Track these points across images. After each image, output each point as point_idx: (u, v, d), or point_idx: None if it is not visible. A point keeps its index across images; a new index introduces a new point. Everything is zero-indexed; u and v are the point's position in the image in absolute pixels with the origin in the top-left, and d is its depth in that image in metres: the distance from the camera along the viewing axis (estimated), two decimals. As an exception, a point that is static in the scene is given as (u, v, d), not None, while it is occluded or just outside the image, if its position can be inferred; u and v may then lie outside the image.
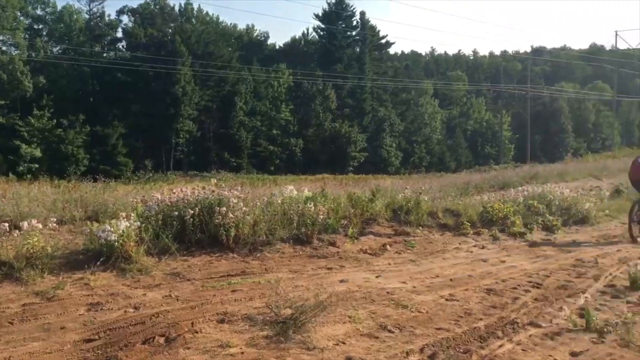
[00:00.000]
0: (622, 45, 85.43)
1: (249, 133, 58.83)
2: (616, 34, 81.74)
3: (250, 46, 73.43)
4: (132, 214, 7.63)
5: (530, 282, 7.70)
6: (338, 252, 8.86)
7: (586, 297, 6.32)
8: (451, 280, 7.60)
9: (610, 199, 16.43)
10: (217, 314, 5.52)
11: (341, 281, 7.12)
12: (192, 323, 5.22)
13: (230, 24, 76.50)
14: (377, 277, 7.49)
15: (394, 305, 6.17)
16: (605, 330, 5.83)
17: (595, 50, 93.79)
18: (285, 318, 5.17)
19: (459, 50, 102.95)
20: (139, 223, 7.44)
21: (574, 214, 13.29)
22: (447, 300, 6.62)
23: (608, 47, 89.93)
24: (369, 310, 5.94)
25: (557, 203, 13.26)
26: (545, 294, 7.09)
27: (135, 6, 62.31)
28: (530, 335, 5.45)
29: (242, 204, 8.42)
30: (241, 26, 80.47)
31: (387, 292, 6.67)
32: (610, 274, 8.34)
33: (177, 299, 6.04)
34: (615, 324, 5.95)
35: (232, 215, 8.15)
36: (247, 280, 6.91)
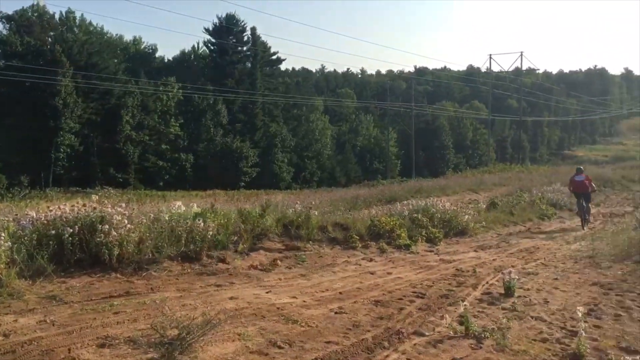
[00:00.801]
0: (495, 68, 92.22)
1: (136, 147, 56.67)
2: (490, 58, 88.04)
3: (138, 58, 70.98)
4: (3, 234, 7.05)
5: (415, 292, 8.00)
6: (228, 268, 8.72)
7: (465, 305, 6.65)
8: (340, 293, 7.71)
9: (486, 212, 17.50)
10: (97, 339, 5.21)
11: (231, 298, 7.00)
12: (69, 349, 4.89)
13: (116, 34, 73.62)
14: (267, 292, 7.45)
15: (284, 320, 6.16)
16: (482, 336, 6.16)
17: (472, 72, 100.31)
18: (172, 339, 4.97)
19: (348, 69, 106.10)
20: (10, 243, 6.90)
21: (454, 226, 14.02)
22: (336, 313, 6.70)
23: (483, 69, 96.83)
24: (259, 326, 5.88)
25: (439, 216, 13.92)
26: (429, 303, 7.39)
27: (10, 12, 58.27)
28: (414, 344, 5.64)
29: (126, 221, 8.06)
30: (128, 37, 77.71)
31: (278, 308, 6.64)
32: (487, 282, 8.86)
33: (53, 324, 5.64)
34: (491, 330, 6.32)
35: (115, 233, 7.78)
36: (132, 301, 6.59)
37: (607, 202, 22.48)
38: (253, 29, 70.65)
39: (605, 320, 7.01)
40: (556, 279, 9.09)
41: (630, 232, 12.62)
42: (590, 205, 16.83)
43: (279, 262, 9.36)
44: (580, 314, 6.48)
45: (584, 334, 6.13)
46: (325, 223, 11.75)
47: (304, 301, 7.10)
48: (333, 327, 6.06)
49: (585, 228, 15.78)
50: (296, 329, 5.89)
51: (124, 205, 8.92)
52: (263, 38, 71.75)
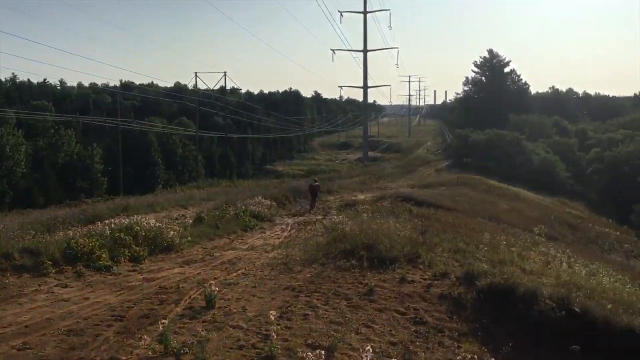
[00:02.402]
0: (202, 86, 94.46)
1: None
2: (196, 75, 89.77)
3: None
4: None
5: (114, 315, 7.62)
6: None
7: (164, 323, 6.56)
8: (26, 327, 6.93)
9: (193, 226, 17.66)
10: None
11: None
12: None
13: None
14: None
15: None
16: (182, 352, 6.16)
17: (180, 89, 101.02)
18: None
19: (45, 79, 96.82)
20: None
21: (159, 242, 13.78)
22: (19, 350, 5.99)
23: (190, 86, 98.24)
24: None
25: (143, 234, 13.54)
26: (128, 325, 7.11)
27: None
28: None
29: None
30: None
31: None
32: (190, 297, 8.92)
33: None
34: (191, 345, 6.35)
35: None
36: None
37: (301, 212, 24.77)
38: None
39: (295, 321, 7.66)
40: (254, 286, 9.61)
41: (319, 237, 14.10)
42: (316, 200, 25.77)
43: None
44: (273, 318, 6.96)
45: (275, 336, 6.60)
46: (11, 249, 10.41)
47: (-22, 342, 6.17)
48: (12, 367, 5.38)
49: (312, 212, 23.67)
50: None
51: None
52: None
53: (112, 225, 13.97)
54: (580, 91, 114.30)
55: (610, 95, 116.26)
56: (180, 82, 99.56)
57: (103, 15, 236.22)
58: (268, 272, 10.89)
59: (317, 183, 26.87)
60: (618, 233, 35.76)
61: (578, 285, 9.23)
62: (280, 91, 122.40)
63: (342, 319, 7.78)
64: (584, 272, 12.88)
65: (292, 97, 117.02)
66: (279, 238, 16.94)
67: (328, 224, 15.97)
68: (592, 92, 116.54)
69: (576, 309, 8.14)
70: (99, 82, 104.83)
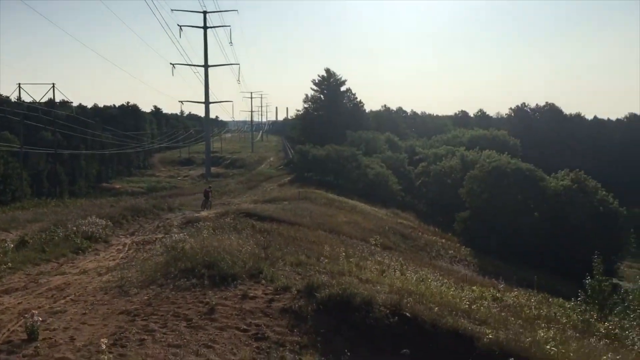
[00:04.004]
0: (27, 98, 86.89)
1: None
2: (19, 87, 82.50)
3: None
4: None
5: None
6: None
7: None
8: None
9: (15, 251, 16.03)
10: None
11: None
12: None
13: None
14: None
15: None
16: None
17: (1, 102, 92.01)
18: None
19: None
20: None
21: (-27, 271, 12.31)
22: None
23: (13, 98, 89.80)
24: None
25: (-47, 262, 12.00)
26: None
27: None
28: None
29: None
30: None
31: None
32: (9, 330, 8.04)
33: None
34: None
35: None
36: None
37: (141, 231, 23.62)
38: None
39: (130, 347, 7.22)
40: (85, 313, 8.92)
41: (158, 257, 13.51)
42: (210, 201, 34.57)
43: None
44: (104, 346, 6.49)
45: (107, 365, 6.15)
46: None
47: None
48: None
49: (206, 210, 29.97)
50: None
51: None
52: None
53: None
54: (408, 110, 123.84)
55: (435, 114, 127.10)
56: (2, 94, 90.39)
57: None
58: (101, 296, 10.18)
59: (209, 188, 37.94)
60: (444, 240, 38.97)
61: (409, 291, 9.83)
62: (117, 105, 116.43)
63: (181, 341, 7.49)
64: (414, 278, 13.79)
65: (129, 112, 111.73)
66: (114, 259, 15.97)
67: (168, 243, 15.38)
68: (419, 111, 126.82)
69: (407, 314, 8.65)
70: None
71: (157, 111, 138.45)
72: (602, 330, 12.80)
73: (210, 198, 35.29)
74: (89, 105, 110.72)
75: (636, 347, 11.23)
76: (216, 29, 77.86)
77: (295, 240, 18.06)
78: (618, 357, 8.46)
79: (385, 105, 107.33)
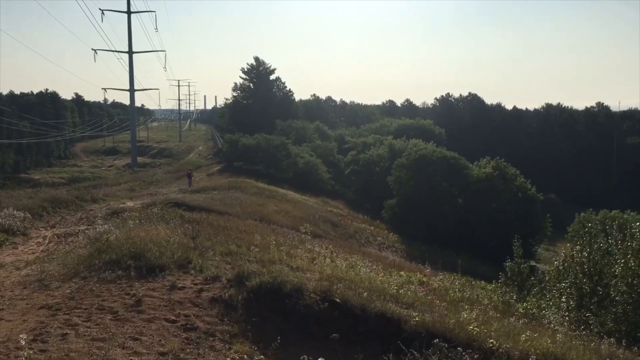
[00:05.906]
0: None
1: None
2: None
3: None
4: None
5: None
6: None
7: None
8: None
9: None
10: None
11: None
12: None
13: None
14: None
15: None
16: None
17: None
18: None
19: None
20: None
21: None
22: None
23: None
24: None
25: None
26: None
27: None
28: None
29: None
30: None
31: None
32: None
33: None
34: None
35: None
36: None
37: (63, 223, 22.67)
38: None
39: (52, 343, 6.95)
40: (2, 309, 8.51)
41: (81, 250, 13.03)
42: (192, 180, 41.77)
43: None
44: (24, 342, 6.21)
45: (27, 362, 5.90)
46: None
47: None
48: None
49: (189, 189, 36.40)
50: None
51: None
52: None
53: None
54: (338, 99, 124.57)
55: (363, 104, 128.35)
56: None
57: None
58: (19, 291, 9.73)
59: (190, 170, 46.26)
60: (372, 228, 39.69)
61: (339, 278, 9.96)
62: (35, 92, 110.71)
63: (107, 334, 7.28)
64: (344, 265, 14.00)
65: (48, 99, 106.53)
66: (34, 253, 15.31)
67: (92, 235, 14.84)
68: (347, 100, 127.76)
69: (337, 300, 8.77)
70: None
71: (78, 99, 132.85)
72: (521, 310, 13.51)
73: (191, 178, 42.69)
74: (4, 92, 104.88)
75: (552, 325, 11.91)
76: (141, 14, 75.43)
77: (225, 230, 17.88)
78: (535, 335, 8.91)
79: (314, 95, 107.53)
